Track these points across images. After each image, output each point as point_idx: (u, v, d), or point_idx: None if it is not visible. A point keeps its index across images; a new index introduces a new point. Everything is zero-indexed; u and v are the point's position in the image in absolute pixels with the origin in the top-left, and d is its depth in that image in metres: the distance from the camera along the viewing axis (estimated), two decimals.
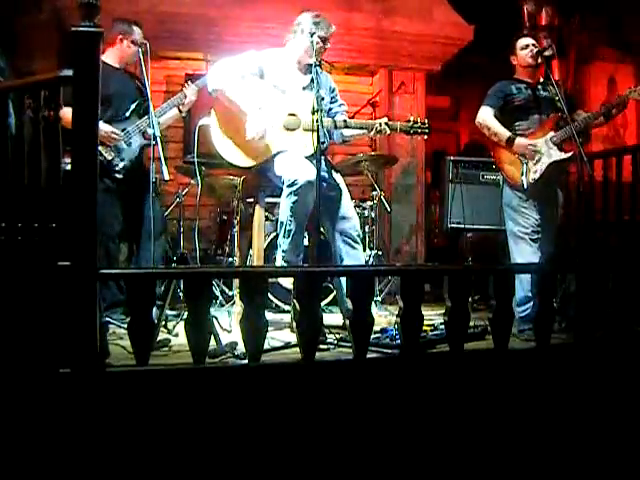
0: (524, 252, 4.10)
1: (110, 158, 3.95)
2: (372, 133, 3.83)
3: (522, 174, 4.16)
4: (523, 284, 3.85)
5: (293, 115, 3.78)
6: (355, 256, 3.78)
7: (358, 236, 3.83)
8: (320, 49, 3.76)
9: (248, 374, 2.65)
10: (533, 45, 4.29)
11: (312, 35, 3.75)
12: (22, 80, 2.89)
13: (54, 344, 2.39)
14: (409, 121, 3.87)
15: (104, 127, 3.83)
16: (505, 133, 4.23)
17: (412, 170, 6.44)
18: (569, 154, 4.16)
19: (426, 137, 3.99)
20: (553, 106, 4.23)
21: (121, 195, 4.02)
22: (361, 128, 3.90)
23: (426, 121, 3.88)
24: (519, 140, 4.19)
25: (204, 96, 4.08)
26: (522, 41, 4.34)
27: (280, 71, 3.85)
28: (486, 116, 4.29)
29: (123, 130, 4.00)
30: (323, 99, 3.63)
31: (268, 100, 3.75)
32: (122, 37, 4.11)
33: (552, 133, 4.17)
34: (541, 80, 4.37)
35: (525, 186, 4.14)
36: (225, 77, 3.73)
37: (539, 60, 4.28)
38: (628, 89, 4.18)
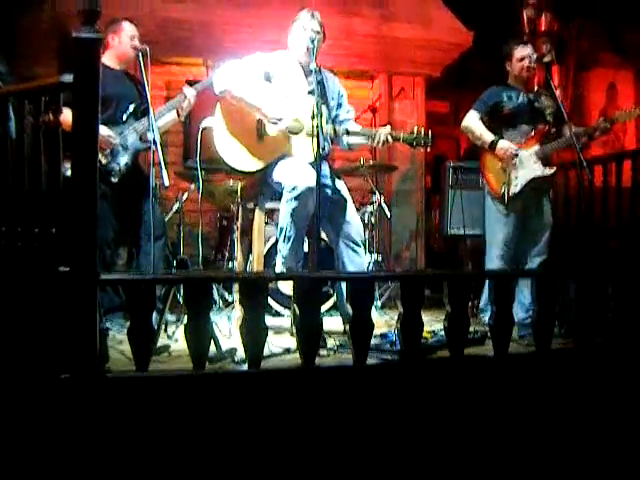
0: (493, 262, 4.17)
1: (105, 162, 3.91)
2: (375, 143, 3.81)
3: (503, 186, 4.17)
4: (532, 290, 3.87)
5: (296, 120, 3.78)
6: (358, 261, 3.78)
7: (361, 241, 3.84)
8: (311, 41, 3.72)
9: (248, 380, 2.65)
10: (530, 57, 4.26)
11: (297, 28, 3.81)
12: (22, 85, 2.89)
13: (54, 349, 2.38)
14: (412, 132, 3.84)
15: (100, 130, 3.80)
16: (488, 137, 4.22)
17: (412, 176, 6.44)
18: (552, 170, 4.17)
19: (429, 149, 3.98)
20: (542, 118, 4.24)
21: (117, 200, 3.98)
22: (364, 136, 3.90)
23: (429, 132, 3.86)
24: (502, 142, 4.17)
25: (205, 100, 4.08)
26: (520, 51, 4.28)
27: (286, 74, 3.83)
28: (471, 120, 4.28)
29: (120, 133, 3.98)
30: (324, 104, 3.63)
31: (272, 104, 3.76)
32: (113, 35, 4.08)
33: (538, 147, 4.17)
34: (535, 89, 4.36)
35: (505, 199, 4.15)
36: (232, 78, 3.73)
37: (532, 73, 4.28)
38: (618, 112, 4.20)
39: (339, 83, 4.08)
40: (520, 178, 4.15)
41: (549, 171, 4.16)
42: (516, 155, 4.14)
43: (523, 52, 4.27)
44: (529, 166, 4.15)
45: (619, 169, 4.52)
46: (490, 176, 4.27)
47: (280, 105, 3.73)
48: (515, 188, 4.14)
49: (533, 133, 4.20)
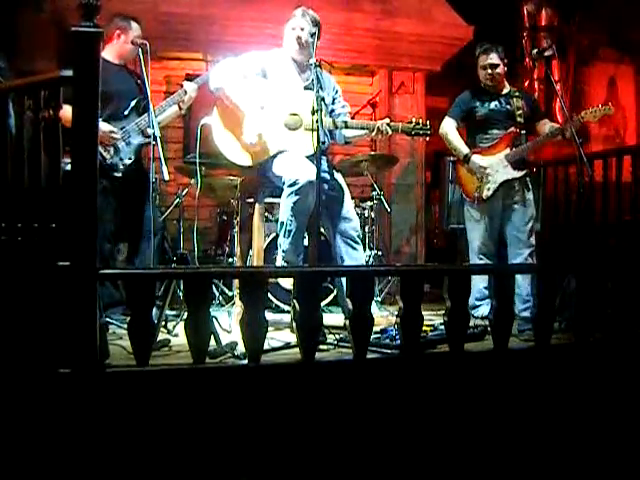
0: (474, 260, 4.40)
1: (108, 157, 3.93)
2: (374, 133, 3.84)
3: (475, 191, 4.31)
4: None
5: (295, 115, 3.78)
6: (355, 256, 3.79)
7: (358, 236, 3.85)
8: (299, 39, 3.79)
9: (248, 374, 2.65)
10: (491, 66, 4.35)
11: (288, 27, 3.86)
12: (22, 80, 2.89)
13: (54, 344, 2.39)
14: (411, 122, 3.87)
15: (102, 126, 3.80)
16: (462, 150, 4.38)
17: (412, 170, 6.43)
18: (522, 173, 4.30)
19: (427, 139, 4.00)
20: (513, 120, 4.31)
21: (118, 195, 3.99)
22: (362, 128, 3.90)
23: (427, 123, 3.88)
24: (473, 159, 4.31)
25: (205, 96, 4.08)
26: (482, 59, 4.41)
27: (281, 71, 3.86)
28: (448, 129, 4.43)
29: (122, 129, 3.98)
30: (324, 99, 3.63)
31: (270, 99, 3.77)
32: (120, 32, 4.08)
33: (507, 151, 4.27)
34: (506, 90, 4.42)
35: (477, 203, 4.33)
36: (227, 76, 3.74)
37: (494, 82, 4.36)
38: (584, 111, 4.24)
39: (333, 80, 4.12)
40: (491, 183, 4.30)
41: (518, 174, 4.30)
42: (485, 170, 4.28)
43: (485, 61, 4.38)
44: (500, 170, 4.30)
45: (619, 164, 4.52)
46: (464, 182, 4.45)
47: (274, 105, 3.75)
48: (487, 192, 4.31)
49: (502, 137, 4.33)
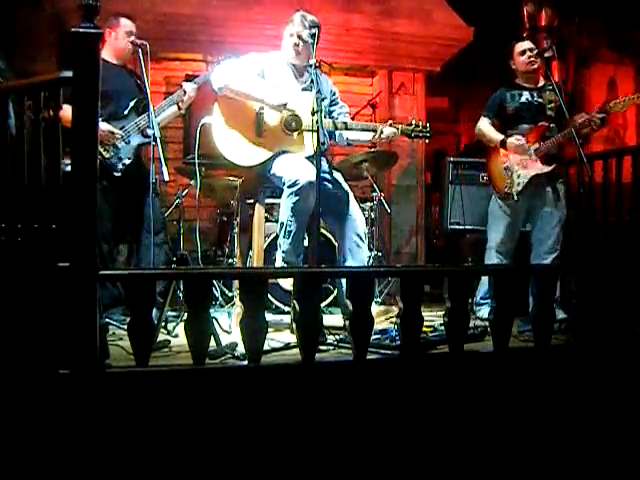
0: (492, 257, 4.35)
1: (108, 157, 3.92)
2: (377, 136, 3.83)
3: (505, 187, 4.29)
4: None
5: (294, 115, 3.79)
6: (360, 255, 3.80)
7: (365, 235, 3.85)
8: (297, 46, 3.79)
9: (248, 375, 2.65)
10: (530, 50, 4.34)
11: (286, 33, 3.84)
12: (22, 81, 2.89)
13: (54, 345, 2.38)
14: (411, 124, 3.88)
15: (102, 126, 3.80)
16: (498, 137, 4.35)
17: (412, 171, 6.43)
18: (550, 167, 4.25)
19: (427, 141, 4.01)
20: (543, 114, 4.28)
21: (118, 195, 4.00)
22: (362, 129, 3.91)
23: (428, 125, 3.89)
24: (510, 140, 4.28)
25: (205, 96, 4.08)
26: (520, 46, 4.39)
27: (280, 73, 3.86)
28: (482, 125, 4.44)
29: (122, 128, 3.98)
30: (323, 100, 3.64)
31: (273, 91, 3.77)
32: (110, 30, 4.06)
33: (537, 145, 4.23)
34: (541, 84, 4.40)
35: (508, 198, 4.28)
36: (230, 73, 3.75)
37: (536, 65, 4.33)
38: (613, 101, 4.22)
39: (330, 81, 4.14)
40: (522, 177, 4.26)
41: (547, 168, 4.24)
42: (523, 146, 4.23)
43: (522, 46, 4.37)
44: (529, 165, 4.24)
45: (619, 165, 4.52)
46: (494, 176, 4.41)
47: (280, 92, 3.74)
48: (517, 187, 4.26)
49: (532, 131, 4.28)
